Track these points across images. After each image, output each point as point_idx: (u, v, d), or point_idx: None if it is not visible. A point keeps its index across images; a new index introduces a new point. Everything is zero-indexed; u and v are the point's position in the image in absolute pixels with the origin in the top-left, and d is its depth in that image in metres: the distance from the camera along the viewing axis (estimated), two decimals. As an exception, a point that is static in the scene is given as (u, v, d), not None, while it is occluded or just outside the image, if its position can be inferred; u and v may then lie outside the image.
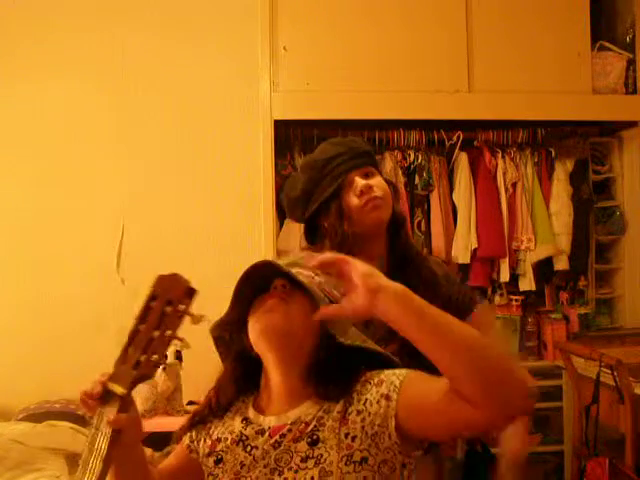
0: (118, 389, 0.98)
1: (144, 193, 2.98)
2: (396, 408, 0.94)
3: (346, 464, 0.95)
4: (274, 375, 1.08)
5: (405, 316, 0.89)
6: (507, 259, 3.03)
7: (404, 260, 1.43)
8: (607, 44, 3.13)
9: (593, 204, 3.21)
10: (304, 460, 0.98)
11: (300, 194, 1.45)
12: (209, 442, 1.12)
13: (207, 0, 3.02)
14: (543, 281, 3.15)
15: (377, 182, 1.43)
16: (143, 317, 1.01)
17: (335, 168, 1.41)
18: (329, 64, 2.92)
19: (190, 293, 1.00)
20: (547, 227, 3.07)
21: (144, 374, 0.98)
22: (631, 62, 3.11)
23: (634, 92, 3.11)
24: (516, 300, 3.11)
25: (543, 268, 3.11)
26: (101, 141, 2.99)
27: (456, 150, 3.07)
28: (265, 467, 1.01)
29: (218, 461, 1.09)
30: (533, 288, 3.07)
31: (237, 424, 1.10)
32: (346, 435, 0.97)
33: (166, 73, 3.00)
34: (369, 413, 0.97)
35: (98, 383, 0.99)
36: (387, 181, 1.49)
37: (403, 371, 1.00)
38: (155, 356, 0.98)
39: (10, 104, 2.95)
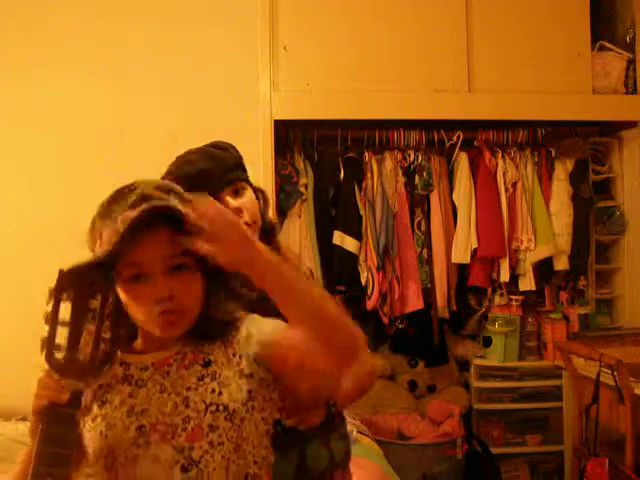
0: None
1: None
2: (258, 342, 1.06)
3: (239, 378, 1.05)
4: (154, 337, 1.09)
5: (275, 282, 1.01)
6: (507, 259, 3.03)
7: None
8: (607, 44, 3.13)
9: (593, 204, 3.21)
10: (200, 379, 1.05)
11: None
12: (87, 395, 1.06)
13: (207, 0, 3.02)
14: (543, 281, 3.15)
15: (247, 201, 1.41)
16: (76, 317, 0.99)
17: (205, 187, 1.27)
18: (329, 64, 2.93)
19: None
20: (547, 227, 3.07)
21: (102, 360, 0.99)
22: (631, 62, 3.11)
23: (634, 92, 3.11)
24: (516, 300, 3.11)
25: (543, 268, 3.11)
26: (100, 141, 2.99)
27: (456, 150, 3.07)
28: (161, 392, 1.04)
29: (103, 404, 1.05)
30: (533, 288, 3.07)
31: (116, 368, 1.08)
32: (233, 354, 1.07)
33: (166, 72, 2.99)
34: (246, 343, 1.08)
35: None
36: (257, 190, 1.48)
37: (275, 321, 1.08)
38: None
39: (6, 101, 2.95)
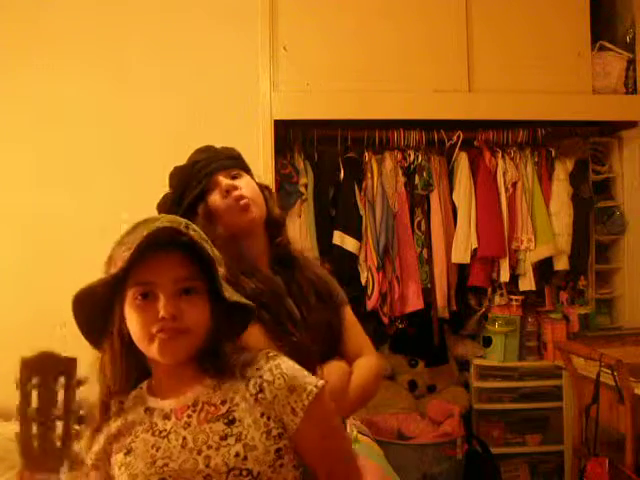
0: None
1: (144, 192, 2.98)
2: (295, 430, 1.06)
3: (267, 439, 1.03)
4: (163, 370, 1.10)
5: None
6: (507, 259, 3.03)
7: (286, 260, 1.44)
8: (607, 44, 3.13)
9: (593, 204, 3.21)
10: (223, 438, 1.02)
11: (171, 204, 1.47)
12: (112, 442, 1.10)
13: (207, 0, 3.02)
14: (543, 281, 3.15)
15: (245, 183, 1.41)
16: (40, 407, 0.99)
17: (201, 169, 1.41)
18: (329, 64, 2.93)
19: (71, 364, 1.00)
20: (547, 227, 3.07)
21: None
22: (631, 62, 3.11)
23: (634, 92, 3.11)
24: (516, 300, 3.11)
25: (543, 268, 3.12)
26: (100, 141, 2.99)
27: (456, 150, 3.07)
28: (183, 447, 1.03)
29: (128, 452, 1.07)
30: (533, 288, 3.07)
31: (142, 416, 1.10)
32: (262, 414, 1.05)
33: (166, 72, 2.99)
34: (280, 406, 1.06)
35: None
36: (261, 185, 1.48)
37: (312, 388, 1.09)
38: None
39: (8, 98, 2.95)
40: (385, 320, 2.96)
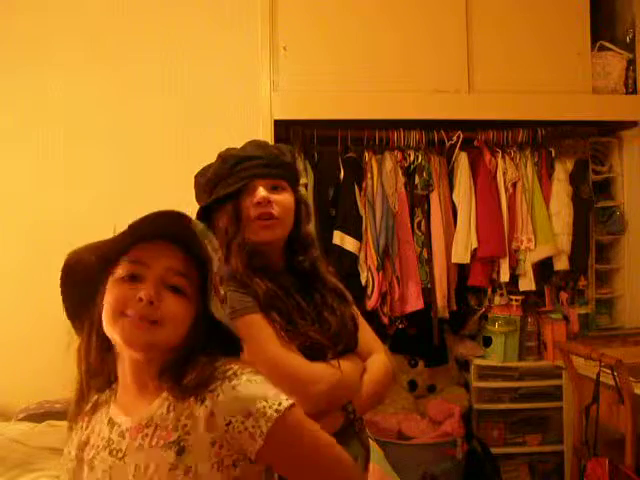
0: None
1: (143, 193, 2.98)
2: (256, 453, 0.98)
3: (218, 470, 0.97)
4: (128, 370, 1.06)
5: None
6: (507, 259, 3.03)
7: (306, 277, 1.41)
8: (607, 44, 3.13)
9: (593, 204, 3.21)
10: (173, 468, 0.97)
11: (206, 182, 1.41)
12: (83, 449, 1.08)
13: (207, 0, 3.02)
14: (543, 281, 3.15)
15: (281, 199, 1.36)
16: None
17: (244, 170, 1.35)
18: (329, 64, 2.93)
19: None
20: (547, 227, 3.07)
21: None
22: (631, 62, 3.11)
23: (634, 92, 3.11)
24: (516, 300, 3.11)
25: (543, 268, 3.11)
26: (100, 141, 2.99)
27: (456, 150, 3.07)
28: (135, 473, 0.99)
29: (90, 469, 1.05)
30: (533, 288, 3.07)
31: (104, 426, 1.07)
32: (213, 443, 0.97)
33: (166, 72, 2.99)
34: (235, 432, 0.98)
35: None
36: (300, 201, 1.43)
37: (271, 413, 0.98)
38: None
39: (8, 99, 2.95)
40: (385, 320, 2.96)
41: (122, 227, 1.10)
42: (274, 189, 1.36)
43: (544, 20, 3.04)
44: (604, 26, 3.22)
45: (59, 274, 1.16)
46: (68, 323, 1.19)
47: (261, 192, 1.33)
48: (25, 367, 2.86)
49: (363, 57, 2.94)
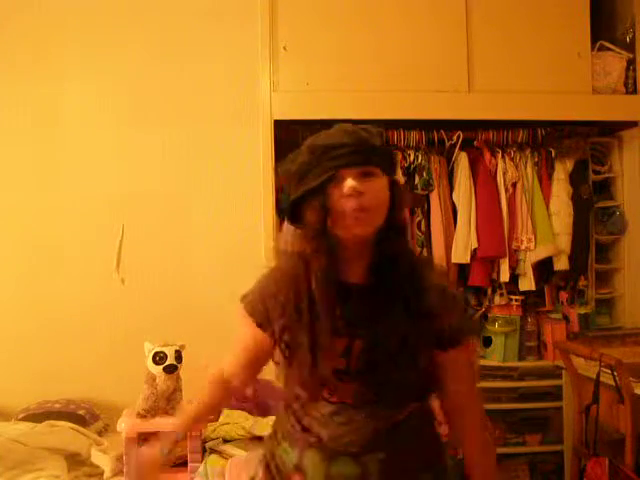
0: None
1: (144, 193, 2.98)
2: None
3: None
4: None
5: None
6: (507, 259, 3.03)
7: (391, 265, 1.25)
8: (607, 44, 3.13)
9: (593, 204, 3.21)
10: None
11: (293, 174, 1.30)
12: None
13: (207, 0, 3.01)
14: (543, 281, 3.15)
15: (373, 187, 1.22)
16: None
17: (331, 160, 1.24)
18: (329, 64, 2.93)
19: None
20: (547, 227, 3.07)
21: None
22: (631, 62, 3.11)
23: (634, 92, 3.11)
24: (516, 300, 3.10)
25: (543, 268, 3.11)
26: (101, 141, 2.99)
27: (456, 150, 3.07)
28: None
29: None
30: (533, 288, 3.07)
31: None
32: None
33: (166, 73, 2.99)
34: None
35: None
36: (394, 183, 1.29)
37: None
38: None
39: (8, 103, 2.95)
40: (385, 320, 2.95)
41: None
42: (365, 176, 1.23)
43: (544, 20, 3.04)
44: (604, 26, 3.22)
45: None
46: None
47: (349, 183, 1.20)
48: (25, 367, 2.86)
49: (363, 57, 2.94)
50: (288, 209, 1.30)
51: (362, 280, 1.27)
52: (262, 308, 1.36)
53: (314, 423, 1.32)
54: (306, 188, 1.24)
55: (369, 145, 1.27)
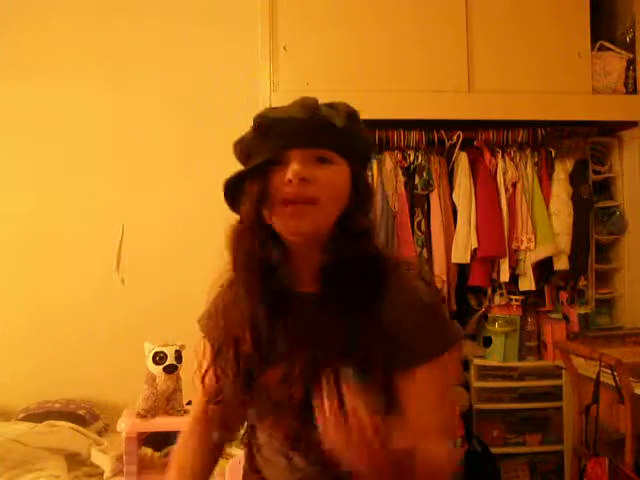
0: None
1: (144, 193, 2.98)
2: None
3: None
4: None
5: None
6: (507, 259, 3.02)
7: (342, 271, 1.01)
8: (607, 44, 3.12)
9: (593, 204, 3.21)
10: None
11: (239, 153, 1.13)
12: None
13: (207, 1, 3.02)
14: (543, 281, 3.15)
15: (324, 176, 0.99)
16: None
17: (276, 137, 1.02)
18: (329, 64, 2.93)
19: None
20: (547, 227, 3.07)
21: None
22: (631, 62, 3.10)
23: (634, 92, 3.11)
24: (516, 300, 3.10)
25: (543, 268, 3.11)
26: (101, 141, 2.99)
27: (456, 150, 3.07)
28: None
29: None
30: (533, 288, 3.06)
31: None
32: None
33: (166, 73, 3.00)
34: None
35: None
36: (358, 176, 1.06)
37: None
38: None
39: (8, 102, 2.95)
40: (385, 320, 2.95)
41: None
42: (320, 161, 1.00)
43: (544, 20, 3.04)
44: (604, 26, 3.22)
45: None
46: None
47: (293, 168, 0.98)
48: (25, 367, 2.86)
49: (363, 57, 2.94)
50: (227, 196, 1.10)
51: (312, 288, 1.03)
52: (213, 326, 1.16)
53: (263, 464, 1.11)
54: (242, 171, 1.06)
55: (326, 123, 1.02)
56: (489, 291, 3.11)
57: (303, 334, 0.99)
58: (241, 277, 1.06)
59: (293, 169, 0.98)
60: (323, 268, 1.02)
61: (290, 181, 0.98)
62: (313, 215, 0.99)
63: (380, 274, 1.01)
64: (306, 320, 1.00)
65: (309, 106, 1.04)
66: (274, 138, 1.02)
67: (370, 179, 1.13)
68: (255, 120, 1.09)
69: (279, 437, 1.05)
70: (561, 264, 3.09)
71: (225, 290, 1.14)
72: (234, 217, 1.10)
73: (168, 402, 2.28)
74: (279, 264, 1.03)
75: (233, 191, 1.08)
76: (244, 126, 3.03)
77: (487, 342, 3.17)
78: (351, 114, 1.06)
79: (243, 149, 1.10)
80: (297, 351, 0.99)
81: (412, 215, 3.04)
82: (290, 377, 0.98)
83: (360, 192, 1.05)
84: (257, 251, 1.03)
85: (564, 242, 3.08)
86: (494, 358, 3.13)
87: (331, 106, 1.06)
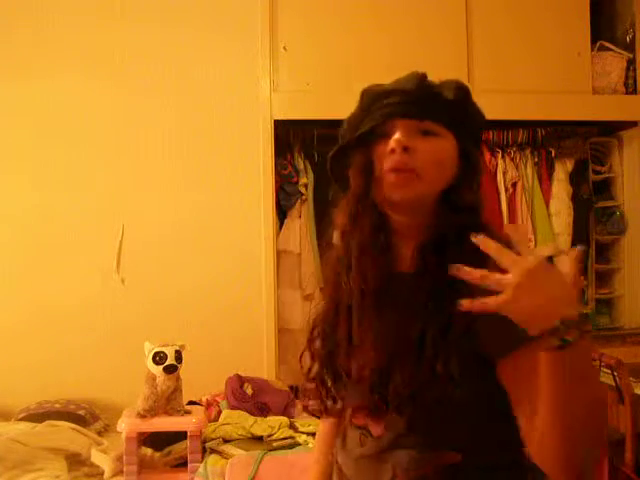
0: None
1: (144, 193, 2.98)
2: None
3: None
4: None
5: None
6: (507, 259, 3.02)
7: (441, 248, 0.96)
8: (607, 44, 3.13)
9: (593, 204, 3.21)
10: None
11: (346, 126, 1.12)
12: None
13: (207, 0, 3.01)
14: (543, 281, 3.14)
15: (427, 147, 0.97)
16: None
17: (381, 108, 1.01)
18: (329, 64, 2.93)
19: None
20: (547, 227, 3.07)
21: None
22: (631, 62, 3.11)
23: (634, 92, 3.11)
24: (516, 300, 3.10)
25: (543, 268, 3.11)
26: (101, 141, 2.98)
27: (456, 150, 3.07)
28: None
29: None
30: (533, 288, 3.06)
31: None
32: None
33: (166, 73, 2.99)
34: None
35: None
36: (467, 152, 1.03)
37: None
38: None
39: (8, 103, 2.95)
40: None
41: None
42: (424, 134, 0.98)
43: (544, 20, 3.04)
44: (604, 26, 3.22)
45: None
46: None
47: (396, 136, 0.96)
48: (25, 367, 2.86)
49: (363, 57, 2.94)
50: (331, 169, 1.08)
51: (409, 267, 0.99)
52: None
53: (343, 460, 1.04)
54: (347, 142, 1.04)
55: (433, 95, 1.01)
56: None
57: (394, 316, 0.95)
58: (350, 256, 1.02)
59: (396, 138, 0.96)
60: (421, 245, 0.98)
61: (393, 151, 0.96)
62: (415, 185, 0.96)
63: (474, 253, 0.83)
64: (400, 301, 0.96)
65: (417, 77, 1.03)
66: (379, 110, 1.01)
67: (481, 156, 1.10)
68: (361, 94, 1.09)
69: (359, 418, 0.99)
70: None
71: (334, 262, 1.06)
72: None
73: (168, 402, 2.28)
74: (385, 245, 1.01)
75: (338, 165, 1.07)
76: (244, 126, 3.03)
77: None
78: (461, 88, 1.05)
79: (350, 123, 1.08)
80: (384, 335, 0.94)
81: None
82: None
83: (468, 166, 1.03)
84: (367, 230, 1.00)
85: (564, 242, 3.08)
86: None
87: (441, 81, 1.05)
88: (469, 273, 0.75)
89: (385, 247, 1.00)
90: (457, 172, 1.01)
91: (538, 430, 0.78)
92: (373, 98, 1.03)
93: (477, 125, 1.08)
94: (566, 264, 0.79)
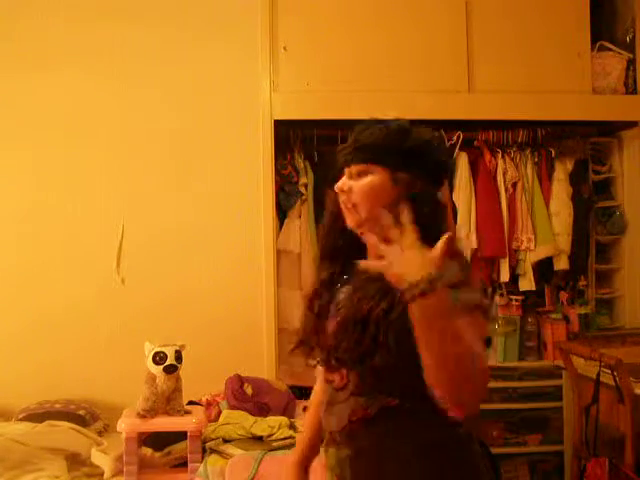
0: None
1: (144, 193, 2.98)
2: None
3: None
4: None
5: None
6: (507, 259, 3.03)
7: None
8: (607, 44, 3.13)
9: (593, 204, 3.22)
10: None
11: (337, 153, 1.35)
12: None
13: (207, 0, 3.01)
14: (543, 281, 3.15)
15: (359, 185, 1.23)
16: None
17: (340, 157, 1.31)
18: (329, 64, 2.93)
19: None
20: (547, 227, 3.07)
21: None
22: (631, 62, 3.11)
23: (634, 92, 3.11)
24: (516, 300, 3.11)
25: (543, 268, 3.11)
26: (101, 141, 2.98)
27: (456, 150, 3.07)
28: None
29: None
30: (533, 288, 3.07)
31: None
32: None
33: (166, 73, 2.99)
34: None
35: None
36: (401, 181, 1.23)
37: None
38: None
39: (8, 101, 2.95)
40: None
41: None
42: (359, 175, 1.25)
43: (544, 20, 3.04)
44: (604, 26, 3.22)
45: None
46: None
47: (339, 182, 1.28)
48: (25, 367, 2.86)
49: (363, 57, 2.94)
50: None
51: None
52: None
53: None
54: (333, 179, 1.30)
55: (367, 143, 1.28)
56: (489, 291, 3.11)
57: (353, 299, 1.21)
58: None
59: (338, 185, 1.27)
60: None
61: (341, 191, 1.27)
62: (355, 216, 1.25)
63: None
64: (358, 287, 1.21)
65: (365, 130, 1.30)
66: (340, 158, 1.31)
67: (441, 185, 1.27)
68: (350, 134, 1.32)
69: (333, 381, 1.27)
70: (561, 264, 3.09)
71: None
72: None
73: (168, 402, 2.28)
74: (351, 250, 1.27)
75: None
76: (244, 126, 3.02)
77: (487, 342, 3.17)
78: (406, 131, 1.35)
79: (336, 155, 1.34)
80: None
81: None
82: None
83: (406, 191, 1.22)
84: (338, 239, 1.31)
85: (564, 242, 3.08)
86: (494, 358, 3.13)
87: (387, 126, 1.32)
88: (368, 264, 1.12)
89: (353, 249, 1.27)
90: (395, 197, 1.21)
91: (425, 366, 1.03)
92: (340, 148, 1.32)
93: (412, 156, 1.31)
94: (439, 246, 1.01)
